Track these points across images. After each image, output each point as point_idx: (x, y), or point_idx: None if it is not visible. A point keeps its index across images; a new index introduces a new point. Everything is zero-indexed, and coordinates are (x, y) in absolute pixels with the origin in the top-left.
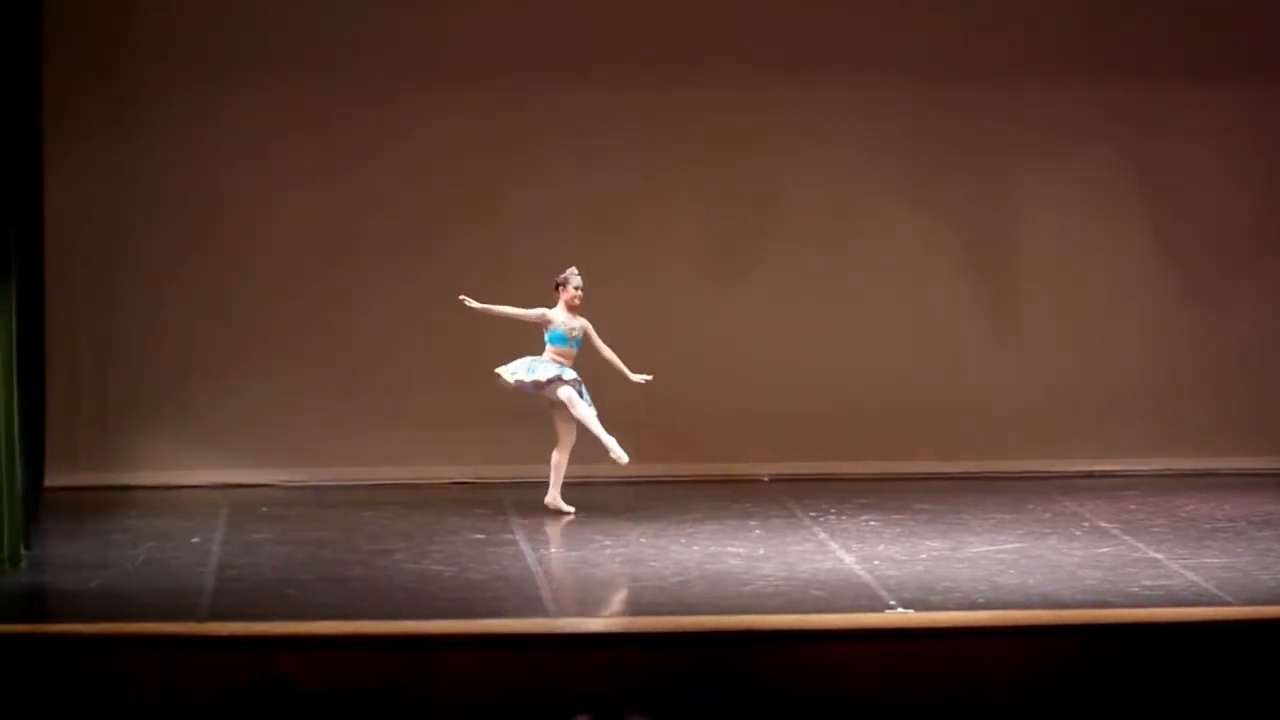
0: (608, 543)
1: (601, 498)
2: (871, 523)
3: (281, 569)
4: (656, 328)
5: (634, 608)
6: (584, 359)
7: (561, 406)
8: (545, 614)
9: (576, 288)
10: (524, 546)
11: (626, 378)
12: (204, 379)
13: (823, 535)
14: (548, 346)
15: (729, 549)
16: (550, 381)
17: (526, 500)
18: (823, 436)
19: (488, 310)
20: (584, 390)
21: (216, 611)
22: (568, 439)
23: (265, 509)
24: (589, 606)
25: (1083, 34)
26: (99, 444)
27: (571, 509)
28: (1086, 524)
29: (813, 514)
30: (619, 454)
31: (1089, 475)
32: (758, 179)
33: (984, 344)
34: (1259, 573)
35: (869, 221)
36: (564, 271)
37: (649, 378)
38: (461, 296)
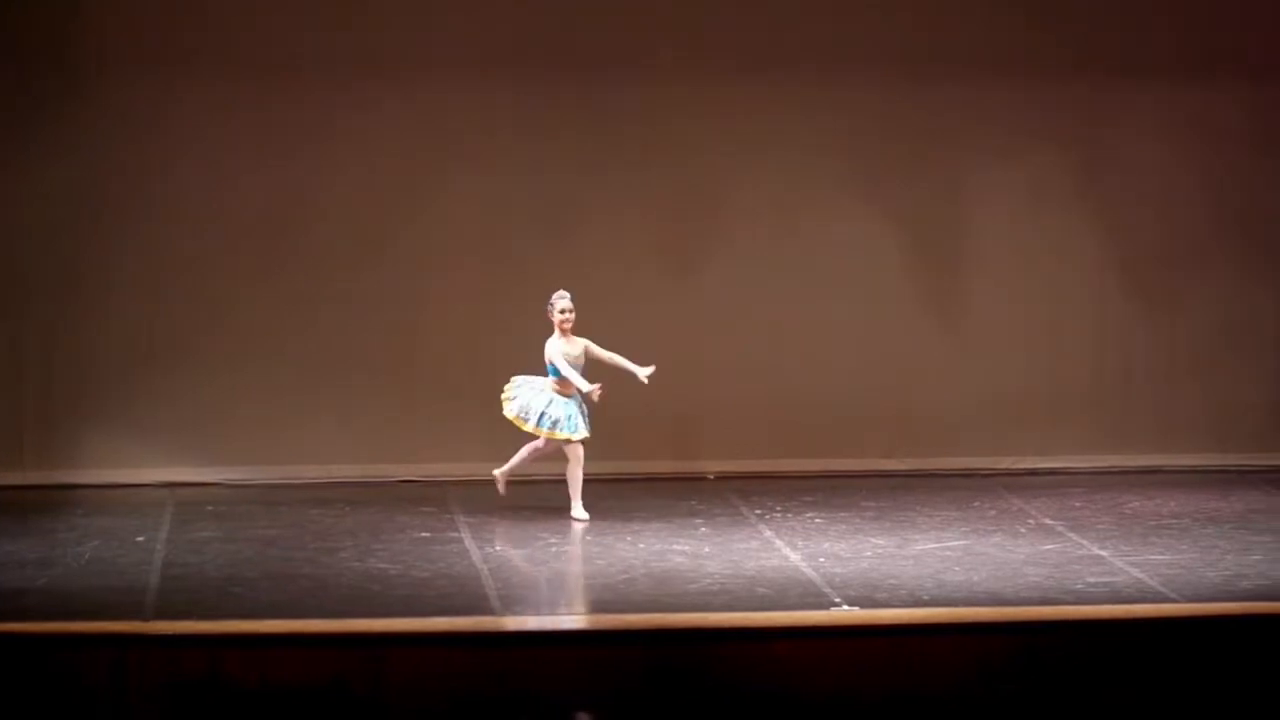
0: (553, 540)
1: (546, 495)
2: (817, 520)
3: (228, 567)
4: (604, 326)
5: (581, 606)
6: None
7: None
8: (490, 612)
9: (562, 311)
10: (469, 544)
11: (636, 376)
12: (149, 376)
13: (768, 533)
14: (551, 378)
15: (675, 547)
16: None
17: (472, 498)
18: (769, 434)
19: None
20: (568, 412)
21: (162, 610)
22: (575, 457)
23: (211, 507)
24: (535, 605)
25: (1035, 34)
26: (43, 442)
27: (587, 515)
28: (1032, 521)
29: (758, 511)
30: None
31: (1034, 473)
32: (706, 178)
33: (932, 342)
34: (1203, 569)
35: (817, 220)
36: (551, 297)
37: (651, 370)
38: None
